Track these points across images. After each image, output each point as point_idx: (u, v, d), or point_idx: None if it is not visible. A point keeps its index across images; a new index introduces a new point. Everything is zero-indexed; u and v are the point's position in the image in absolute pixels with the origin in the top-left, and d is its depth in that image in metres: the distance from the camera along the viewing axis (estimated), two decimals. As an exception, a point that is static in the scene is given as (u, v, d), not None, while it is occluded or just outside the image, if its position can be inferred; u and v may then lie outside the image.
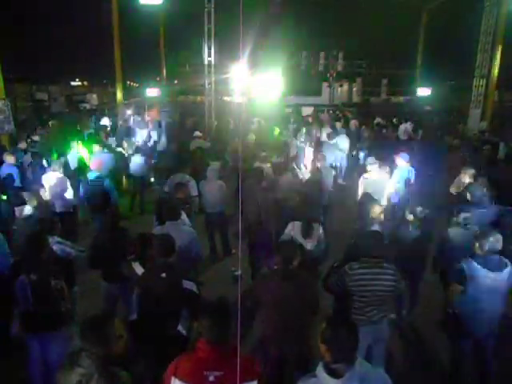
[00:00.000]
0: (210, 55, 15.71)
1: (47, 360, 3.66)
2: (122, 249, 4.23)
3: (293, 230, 4.88)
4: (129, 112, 19.73)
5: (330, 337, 2.10)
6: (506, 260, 3.61)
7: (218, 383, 2.16)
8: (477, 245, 3.62)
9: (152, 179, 10.20)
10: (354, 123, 18.21)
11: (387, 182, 7.04)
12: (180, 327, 3.22)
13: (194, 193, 6.85)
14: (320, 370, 2.07)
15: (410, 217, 4.92)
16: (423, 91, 23.22)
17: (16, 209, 5.19)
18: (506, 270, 3.54)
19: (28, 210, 5.23)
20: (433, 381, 4.13)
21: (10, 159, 7.45)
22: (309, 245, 4.78)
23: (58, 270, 3.55)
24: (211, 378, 2.16)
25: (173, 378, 2.23)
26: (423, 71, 24.48)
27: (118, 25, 16.46)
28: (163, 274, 3.27)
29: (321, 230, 4.93)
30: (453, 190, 6.88)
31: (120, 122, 17.06)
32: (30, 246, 3.58)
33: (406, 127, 14.58)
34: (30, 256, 3.57)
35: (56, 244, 4.00)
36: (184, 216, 5.28)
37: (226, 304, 2.36)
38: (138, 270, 3.71)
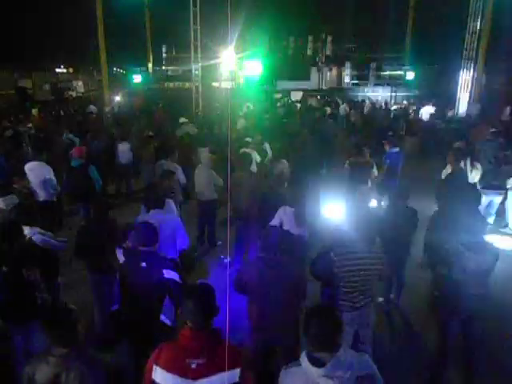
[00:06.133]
0: (196, 39, 15.37)
1: (30, 350, 3.61)
2: (111, 240, 4.14)
3: (284, 215, 4.82)
4: (117, 98, 19.44)
5: (311, 325, 2.07)
6: (491, 242, 3.63)
7: (199, 371, 2.13)
8: (462, 228, 3.62)
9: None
10: (344, 108, 18.15)
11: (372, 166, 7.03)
12: (163, 317, 3.17)
13: (182, 180, 6.75)
14: (303, 359, 2.04)
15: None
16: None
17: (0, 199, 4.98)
18: (490, 253, 3.55)
19: (13, 199, 5.00)
20: (420, 365, 4.16)
21: None
22: (300, 230, 4.75)
23: (32, 260, 3.47)
24: (193, 366, 2.13)
25: (154, 367, 2.19)
26: (411, 54, 24.41)
27: (102, 9, 16.08)
28: (143, 264, 3.21)
29: (310, 216, 4.93)
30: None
31: (107, 109, 16.81)
32: (2, 236, 3.48)
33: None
34: (2, 247, 3.47)
35: (36, 235, 3.90)
36: (172, 204, 5.20)
37: (209, 290, 2.31)
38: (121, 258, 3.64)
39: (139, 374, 2.29)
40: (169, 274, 3.20)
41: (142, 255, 3.26)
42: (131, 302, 3.19)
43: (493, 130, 9.57)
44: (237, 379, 2.15)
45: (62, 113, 16.81)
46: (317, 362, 2.00)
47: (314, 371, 1.99)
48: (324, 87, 29.10)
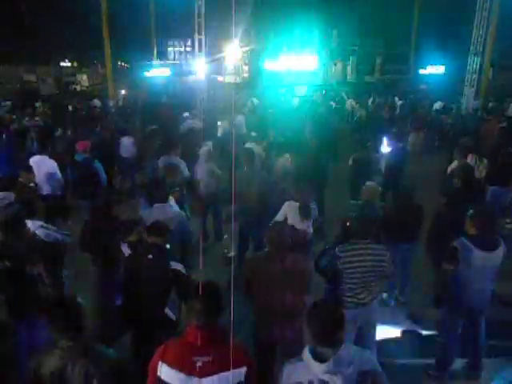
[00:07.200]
0: (200, 33, 15.26)
1: (35, 345, 3.62)
2: (116, 234, 4.14)
3: (288, 210, 4.82)
4: (123, 92, 19.41)
5: (314, 321, 2.05)
6: (499, 238, 3.58)
7: (205, 369, 2.12)
8: (469, 224, 3.58)
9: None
10: (350, 103, 18.02)
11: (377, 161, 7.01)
12: (168, 310, 3.17)
13: (186, 175, 6.72)
14: (306, 354, 2.03)
15: None
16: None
17: None
18: (498, 249, 3.51)
19: (10, 196, 4.96)
20: (423, 361, 4.15)
21: None
22: (305, 225, 4.75)
23: (35, 255, 3.46)
24: (199, 364, 2.12)
25: (160, 363, 2.18)
26: (418, 49, 24.21)
27: (106, 3, 16.04)
28: (150, 256, 3.20)
29: (316, 211, 4.92)
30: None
31: (111, 104, 16.80)
32: (4, 231, 3.47)
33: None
34: (4, 241, 3.46)
35: (39, 229, 3.89)
36: (172, 200, 5.17)
37: (216, 287, 2.30)
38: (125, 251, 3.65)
39: (144, 369, 2.28)
40: (175, 265, 3.20)
41: (149, 247, 3.26)
42: (136, 295, 3.19)
43: (501, 125, 9.48)
44: (242, 378, 2.15)
45: (70, 108, 16.76)
46: (319, 358, 1.99)
47: (317, 366, 1.98)
48: (329, 81, 28.94)
